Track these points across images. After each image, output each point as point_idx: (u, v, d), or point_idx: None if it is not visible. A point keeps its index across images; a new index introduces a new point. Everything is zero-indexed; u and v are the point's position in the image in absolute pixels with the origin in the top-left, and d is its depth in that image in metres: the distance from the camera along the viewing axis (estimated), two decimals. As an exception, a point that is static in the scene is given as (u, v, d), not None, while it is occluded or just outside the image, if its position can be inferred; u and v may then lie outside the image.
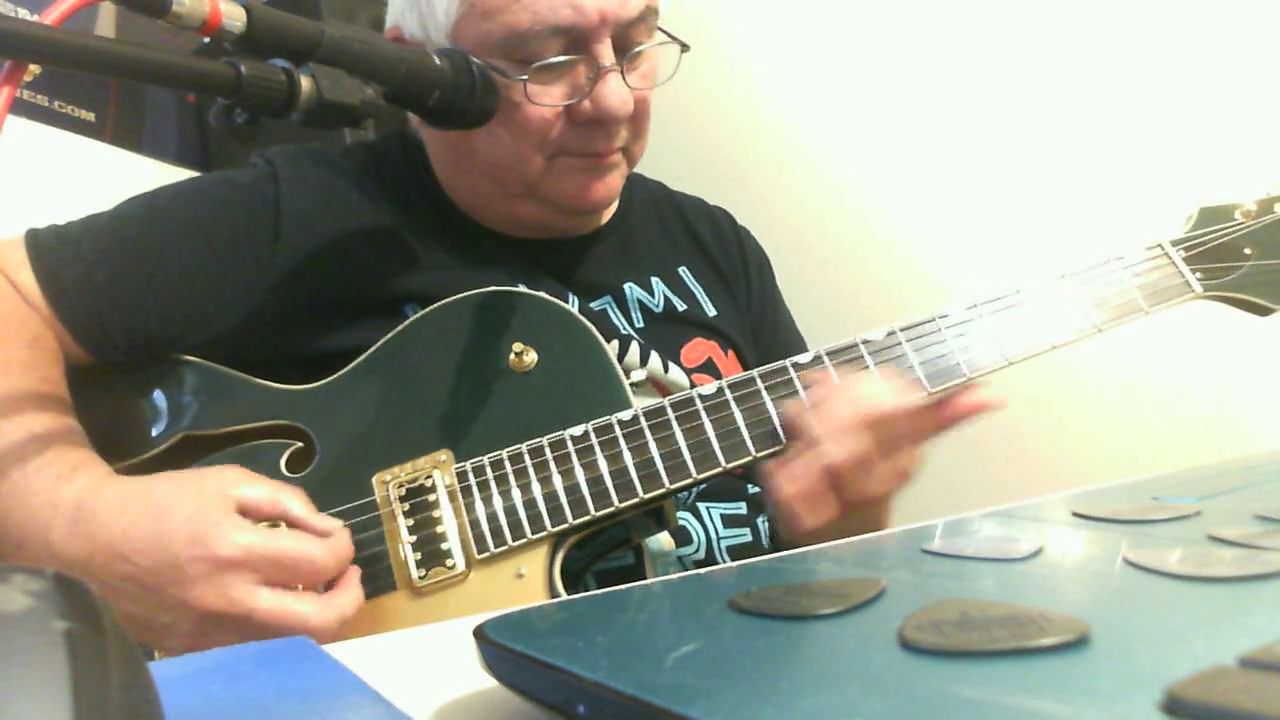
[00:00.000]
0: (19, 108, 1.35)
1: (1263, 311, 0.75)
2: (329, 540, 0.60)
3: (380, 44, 0.61)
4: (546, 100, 0.74)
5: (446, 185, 0.86)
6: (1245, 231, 0.76)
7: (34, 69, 1.21)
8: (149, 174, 1.44)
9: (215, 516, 0.58)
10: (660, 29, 0.79)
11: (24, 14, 1.36)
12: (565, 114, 0.75)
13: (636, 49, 0.76)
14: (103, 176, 1.40)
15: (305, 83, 0.57)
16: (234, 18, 0.53)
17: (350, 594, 0.61)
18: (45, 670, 0.17)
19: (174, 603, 0.56)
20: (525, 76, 0.72)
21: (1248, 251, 0.75)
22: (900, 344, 0.70)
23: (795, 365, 0.69)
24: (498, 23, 0.72)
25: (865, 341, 0.70)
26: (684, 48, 0.80)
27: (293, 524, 0.61)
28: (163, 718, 0.20)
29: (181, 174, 1.13)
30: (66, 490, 0.59)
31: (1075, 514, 0.39)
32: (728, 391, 0.68)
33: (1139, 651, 0.21)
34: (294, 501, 0.61)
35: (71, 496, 0.59)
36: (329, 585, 0.61)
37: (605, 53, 0.74)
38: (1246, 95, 1.17)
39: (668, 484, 0.66)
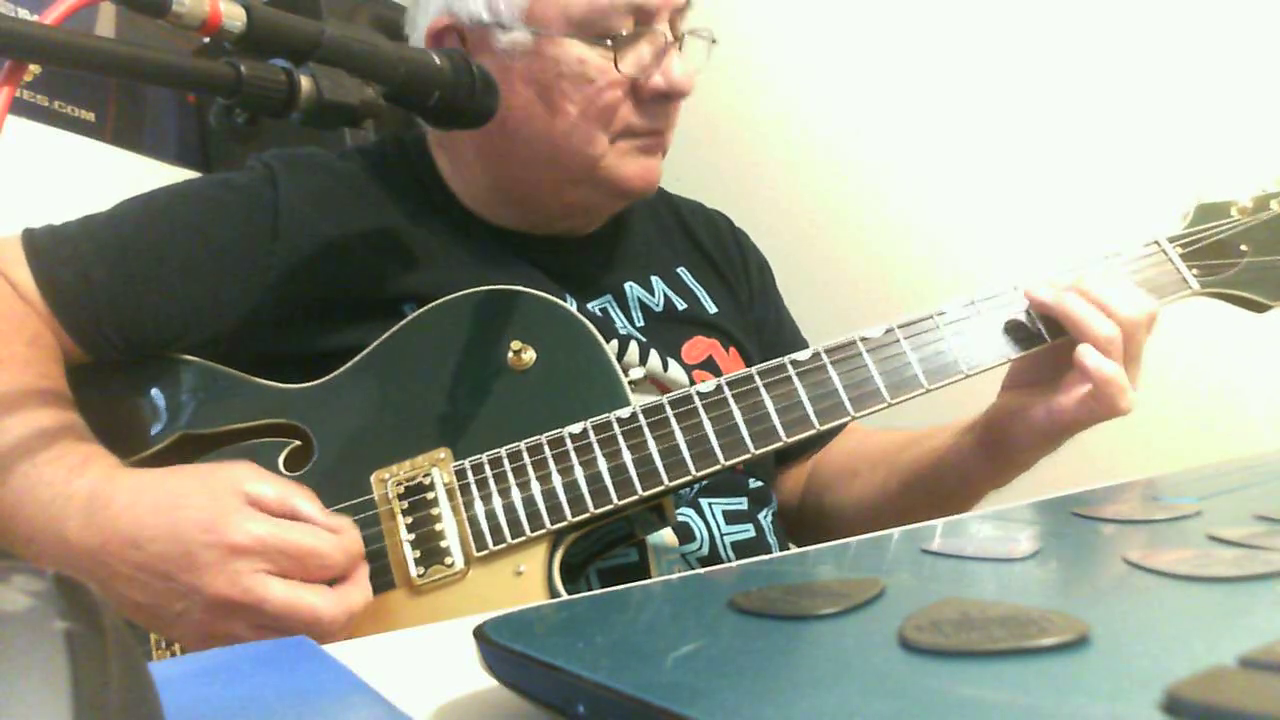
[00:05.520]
0: (19, 108, 1.35)
1: (1259, 308, 0.76)
2: (340, 536, 0.60)
3: (380, 44, 0.61)
4: (627, 70, 0.78)
5: (471, 183, 0.86)
6: (1242, 228, 0.76)
7: (34, 69, 1.21)
8: (149, 174, 1.44)
9: (229, 506, 0.58)
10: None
11: (24, 14, 1.36)
12: (632, 93, 0.79)
13: (683, 33, 0.81)
14: (103, 176, 1.40)
15: (305, 83, 0.57)
16: (234, 18, 0.53)
17: (360, 588, 0.61)
18: (45, 670, 0.17)
19: (186, 589, 0.56)
20: (610, 42, 0.76)
21: (1244, 248, 0.75)
22: (898, 341, 0.70)
23: (794, 363, 0.69)
24: None
25: (864, 339, 0.70)
26: (713, 41, 0.85)
27: (301, 521, 0.61)
28: (163, 718, 0.20)
29: (181, 174, 1.13)
30: (80, 482, 0.60)
31: (1075, 514, 0.39)
32: (726, 389, 0.68)
33: (1139, 651, 0.21)
34: (302, 499, 0.61)
35: (85, 488, 0.59)
36: (337, 581, 0.61)
37: (666, 31, 0.78)
38: (1244, 92, 1.17)
39: (667, 481, 0.66)
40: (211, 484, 0.60)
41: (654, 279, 0.90)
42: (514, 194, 0.86)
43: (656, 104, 0.80)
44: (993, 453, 0.76)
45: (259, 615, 0.56)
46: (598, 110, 0.78)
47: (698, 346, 0.88)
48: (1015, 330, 0.71)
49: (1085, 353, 0.66)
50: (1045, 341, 0.70)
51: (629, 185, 0.82)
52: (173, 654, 0.68)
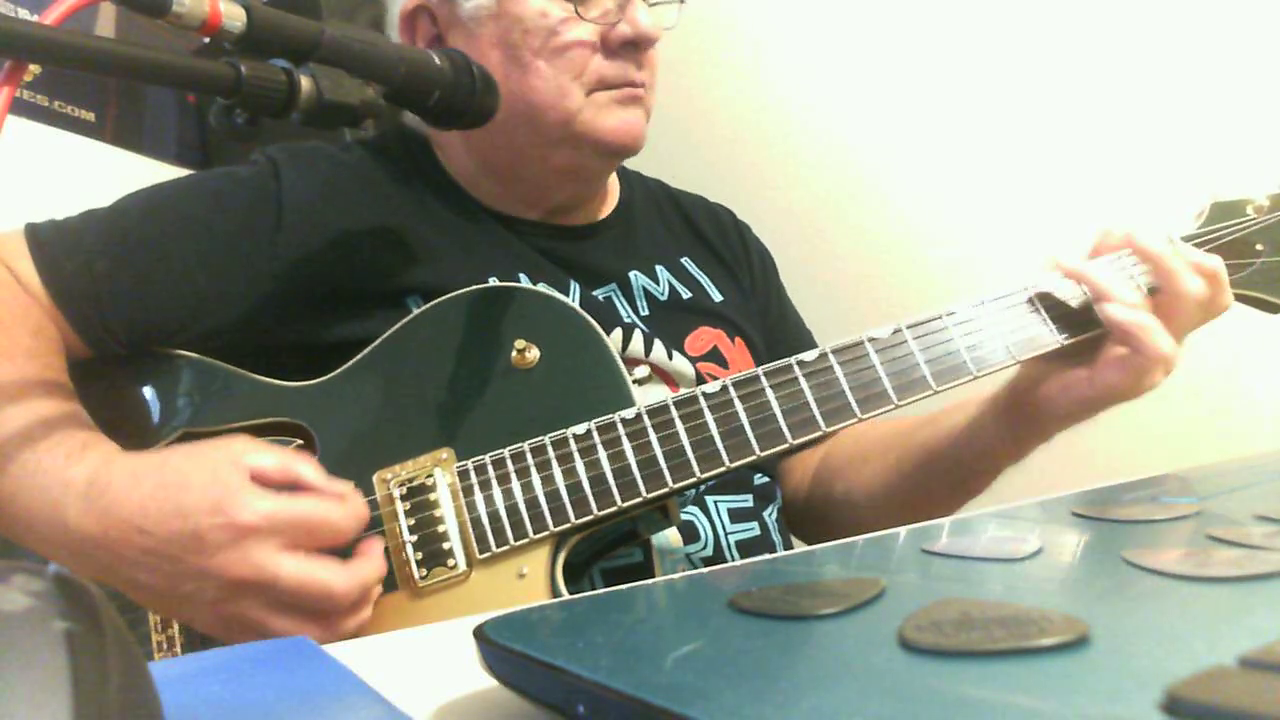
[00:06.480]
0: (19, 108, 1.35)
1: (1273, 309, 0.74)
2: (346, 503, 0.60)
3: (380, 44, 0.61)
4: (590, 18, 0.79)
5: (462, 166, 0.87)
6: (1257, 227, 0.74)
7: (34, 69, 1.21)
8: (149, 174, 1.43)
9: (233, 484, 0.57)
10: None
11: (24, 14, 1.36)
12: (600, 45, 0.80)
13: None
14: (103, 176, 1.40)
15: (305, 83, 0.57)
16: (234, 18, 0.53)
17: (372, 562, 0.61)
18: (45, 670, 0.17)
19: (196, 571, 0.56)
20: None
21: (1259, 248, 0.74)
22: (906, 341, 0.69)
23: (800, 363, 0.69)
24: None
25: (871, 339, 0.70)
26: (681, 1, 0.87)
27: (304, 488, 0.60)
28: (163, 718, 0.20)
29: (181, 174, 1.13)
30: (78, 468, 0.60)
31: (1075, 514, 0.39)
32: (732, 390, 0.68)
33: (1139, 651, 0.21)
34: (304, 466, 0.61)
35: (84, 474, 0.59)
36: (349, 554, 0.61)
37: None
38: (1260, 89, 1.16)
39: (671, 483, 0.66)
40: (211, 461, 0.59)
41: (659, 268, 0.91)
42: (501, 168, 0.86)
43: (626, 53, 0.81)
44: (1019, 423, 0.74)
45: (272, 593, 0.56)
46: (566, 61, 0.79)
47: (702, 338, 0.88)
48: (1026, 331, 0.70)
49: (1135, 320, 0.67)
50: (1057, 343, 0.70)
51: (609, 139, 0.82)
52: (173, 654, 0.68)
